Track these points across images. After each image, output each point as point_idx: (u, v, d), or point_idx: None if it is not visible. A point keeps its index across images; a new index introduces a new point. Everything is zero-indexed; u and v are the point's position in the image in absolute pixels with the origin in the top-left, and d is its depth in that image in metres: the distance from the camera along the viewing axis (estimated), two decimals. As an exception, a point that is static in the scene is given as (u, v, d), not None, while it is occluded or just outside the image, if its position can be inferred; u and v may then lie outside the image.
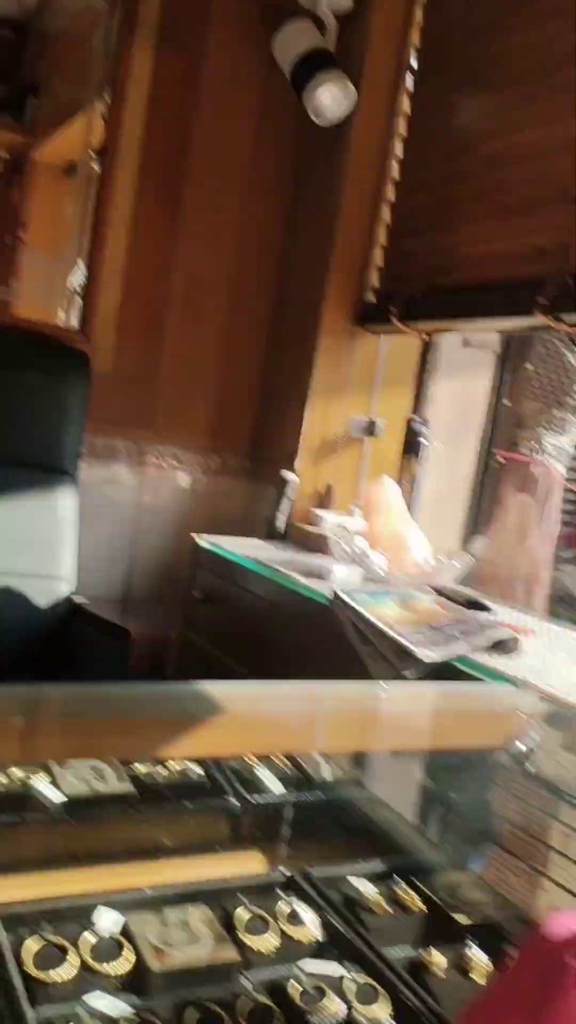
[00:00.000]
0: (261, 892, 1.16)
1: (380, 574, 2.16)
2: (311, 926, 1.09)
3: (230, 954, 1.00)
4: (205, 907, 1.08)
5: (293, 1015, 0.93)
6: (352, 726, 1.41)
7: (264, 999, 0.94)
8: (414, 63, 2.69)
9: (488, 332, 2.69)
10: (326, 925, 1.11)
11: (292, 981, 0.97)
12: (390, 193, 2.72)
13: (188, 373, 2.92)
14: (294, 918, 1.09)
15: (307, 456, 2.72)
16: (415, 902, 1.17)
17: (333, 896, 1.19)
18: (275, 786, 1.43)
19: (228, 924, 1.06)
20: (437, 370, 2.81)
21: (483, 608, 1.95)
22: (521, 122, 2.25)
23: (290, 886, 1.20)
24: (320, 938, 1.09)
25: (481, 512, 2.99)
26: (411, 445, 2.53)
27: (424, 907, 1.19)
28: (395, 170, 2.72)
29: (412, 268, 2.59)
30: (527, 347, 3.18)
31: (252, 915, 1.08)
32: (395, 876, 1.22)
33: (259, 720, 1.36)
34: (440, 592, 2.07)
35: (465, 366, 2.87)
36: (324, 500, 2.71)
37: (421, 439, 2.51)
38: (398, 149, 2.71)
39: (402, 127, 2.71)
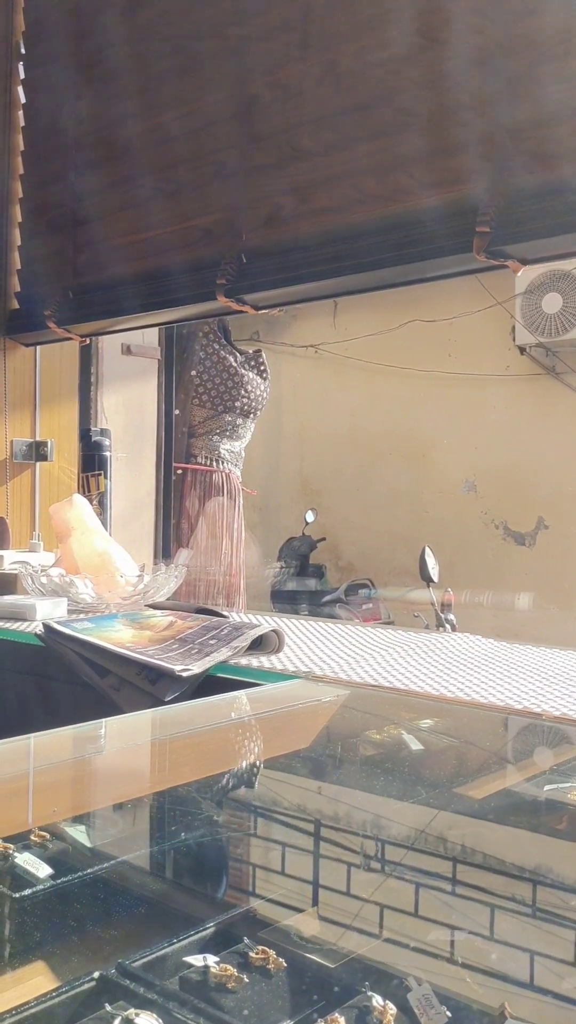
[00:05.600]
0: (68, 1010, 0.84)
1: (89, 600, 1.87)
2: (154, 1035, 0.80)
3: None
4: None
5: None
6: (125, 770, 1.14)
7: None
8: (23, 49, 2.46)
9: (159, 324, 2.52)
10: (175, 1027, 0.82)
11: None
12: (18, 189, 2.45)
13: None
14: (129, 1033, 0.79)
15: (-32, 491, 2.35)
16: (274, 960, 0.92)
17: (169, 986, 0.89)
18: (42, 870, 1.10)
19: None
20: (102, 382, 2.58)
21: (216, 615, 1.75)
22: (162, 100, 2.11)
23: (106, 989, 0.89)
24: (171, 1048, 0.80)
25: (168, 526, 2.80)
26: (92, 460, 2.27)
27: (285, 963, 0.94)
28: (20, 165, 2.46)
29: (58, 267, 2.34)
30: (189, 353, 3.07)
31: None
32: (236, 937, 0.96)
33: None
34: (161, 608, 1.84)
35: (130, 376, 2.67)
36: (-3, 538, 2.34)
37: (105, 452, 2.26)
38: (20, 142, 2.46)
39: (20, 118, 2.46)
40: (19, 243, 2.44)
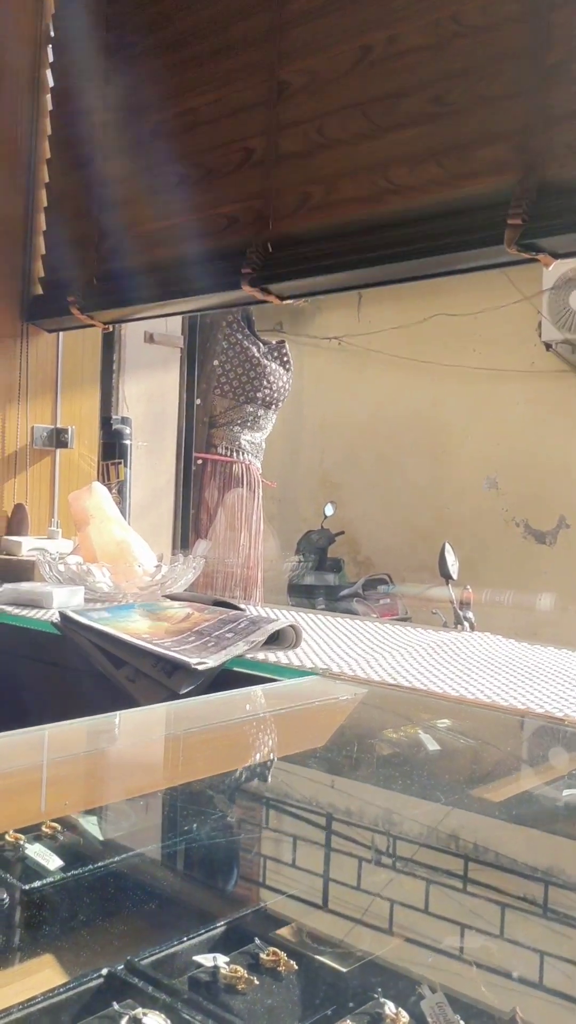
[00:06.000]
0: (75, 1007, 0.83)
1: (106, 589, 1.86)
2: (161, 1036, 0.78)
3: None
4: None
5: None
6: (142, 763, 1.13)
7: None
8: (52, 31, 2.44)
9: (183, 312, 2.50)
10: (183, 1028, 0.80)
11: None
12: (44, 174, 2.44)
13: None
14: (136, 1032, 0.78)
15: (-12, 476, 2.34)
16: (285, 962, 0.90)
17: (178, 985, 0.88)
18: (52, 862, 1.09)
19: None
20: (124, 370, 2.57)
21: (234, 608, 1.74)
22: (191, 86, 2.08)
23: (114, 987, 0.87)
24: (178, 1050, 0.78)
25: (188, 516, 2.79)
26: (112, 448, 2.26)
27: (296, 965, 0.92)
28: (47, 149, 2.44)
29: (83, 253, 2.33)
30: (211, 343, 3.05)
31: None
32: (248, 936, 0.94)
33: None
34: (179, 599, 1.83)
35: (152, 364, 2.66)
36: (15, 523, 2.34)
37: (126, 440, 2.25)
38: (47, 126, 2.44)
39: (48, 102, 2.44)
40: (44, 228, 2.43)
